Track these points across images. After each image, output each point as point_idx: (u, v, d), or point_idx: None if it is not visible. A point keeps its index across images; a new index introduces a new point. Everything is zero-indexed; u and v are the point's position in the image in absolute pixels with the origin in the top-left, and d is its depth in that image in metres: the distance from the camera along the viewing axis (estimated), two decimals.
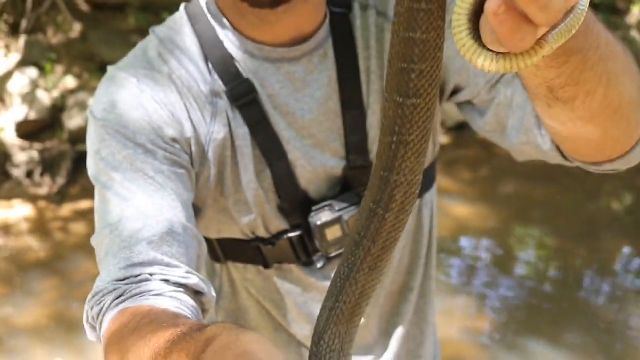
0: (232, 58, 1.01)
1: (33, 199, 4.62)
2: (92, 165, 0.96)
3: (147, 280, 0.82)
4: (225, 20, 1.01)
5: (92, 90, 5.07)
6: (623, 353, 3.46)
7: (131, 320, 0.74)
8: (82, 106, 4.90)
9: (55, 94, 5.01)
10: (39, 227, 4.39)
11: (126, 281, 0.82)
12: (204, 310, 0.87)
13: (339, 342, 0.64)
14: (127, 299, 0.80)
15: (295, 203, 1.04)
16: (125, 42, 5.33)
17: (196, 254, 0.91)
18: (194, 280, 0.85)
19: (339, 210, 1.03)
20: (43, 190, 4.69)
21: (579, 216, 4.91)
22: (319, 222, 1.03)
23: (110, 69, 1.02)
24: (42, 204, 4.58)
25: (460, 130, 4.96)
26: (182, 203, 0.92)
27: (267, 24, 0.98)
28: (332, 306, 0.64)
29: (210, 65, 1.00)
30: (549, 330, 3.56)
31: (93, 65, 5.25)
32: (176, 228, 0.88)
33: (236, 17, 1.00)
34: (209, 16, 1.02)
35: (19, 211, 4.51)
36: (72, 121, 4.87)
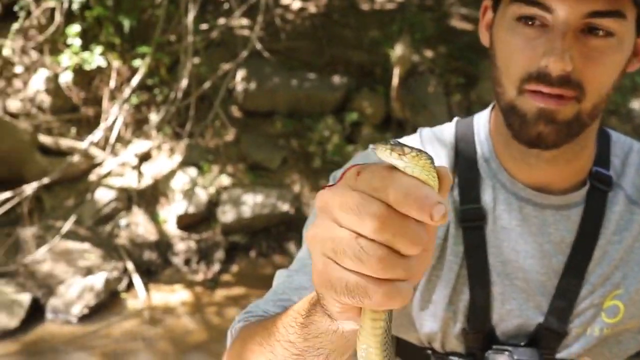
0: (479, 181, 0.98)
1: (190, 284, 4.56)
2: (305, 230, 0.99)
3: None
4: (489, 146, 0.99)
5: (243, 187, 4.91)
6: None
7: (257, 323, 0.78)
8: (235, 202, 4.84)
9: (211, 190, 4.97)
10: (196, 310, 4.35)
11: (272, 313, 0.85)
12: None
13: None
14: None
15: (480, 334, 0.98)
16: (273, 145, 5.23)
17: None
18: None
19: None
20: (199, 277, 4.63)
21: None
22: None
23: None
24: (199, 289, 4.52)
25: None
26: None
27: (526, 163, 0.96)
28: None
29: (456, 180, 0.98)
30: None
31: (244, 166, 5.19)
32: None
33: (500, 147, 0.99)
34: (476, 137, 1.01)
35: (178, 295, 4.46)
36: (226, 215, 4.83)
